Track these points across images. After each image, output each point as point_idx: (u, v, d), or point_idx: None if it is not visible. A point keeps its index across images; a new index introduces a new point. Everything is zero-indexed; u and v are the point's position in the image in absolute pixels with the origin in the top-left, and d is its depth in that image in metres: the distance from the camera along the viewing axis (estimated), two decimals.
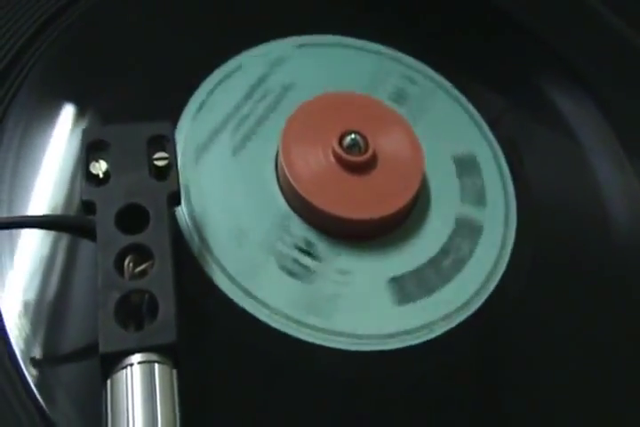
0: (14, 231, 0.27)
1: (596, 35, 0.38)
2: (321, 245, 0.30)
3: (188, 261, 0.28)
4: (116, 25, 0.34)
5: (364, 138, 0.30)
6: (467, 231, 0.31)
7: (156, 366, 0.23)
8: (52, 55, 0.32)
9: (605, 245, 0.33)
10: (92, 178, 0.26)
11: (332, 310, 0.29)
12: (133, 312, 0.24)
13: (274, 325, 0.28)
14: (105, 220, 0.25)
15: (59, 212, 0.28)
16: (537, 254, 0.32)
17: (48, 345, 0.26)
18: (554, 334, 0.30)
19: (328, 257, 0.30)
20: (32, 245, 0.27)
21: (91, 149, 0.26)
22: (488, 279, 0.31)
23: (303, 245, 0.30)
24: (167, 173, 0.26)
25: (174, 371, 0.23)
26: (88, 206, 0.25)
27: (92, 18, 0.33)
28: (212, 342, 0.27)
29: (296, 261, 0.29)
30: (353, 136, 0.30)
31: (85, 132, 0.27)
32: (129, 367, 0.23)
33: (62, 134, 0.30)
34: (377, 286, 0.29)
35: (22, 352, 0.25)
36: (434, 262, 0.30)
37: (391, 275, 0.30)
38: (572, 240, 0.33)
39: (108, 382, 0.23)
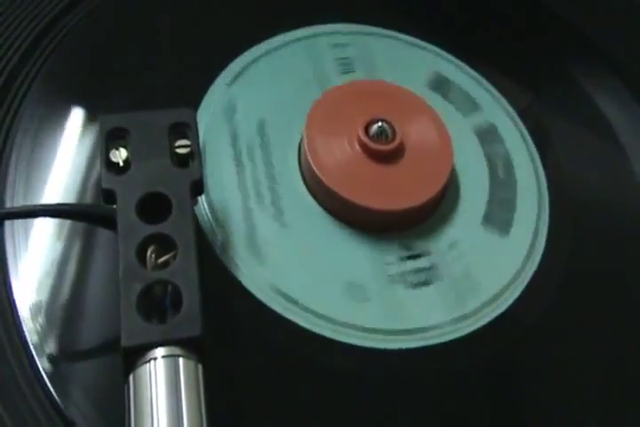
0: (30, 225, 0.26)
1: (628, 20, 0.37)
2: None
3: (209, 255, 0.27)
4: (122, 23, 0.33)
5: (391, 126, 0.29)
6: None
7: (181, 360, 0.22)
8: (60, 54, 0.31)
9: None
10: (111, 166, 0.25)
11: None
12: (156, 304, 0.23)
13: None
14: (126, 209, 0.24)
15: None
16: (572, 251, 0.30)
17: (64, 342, 0.25)
18: (585, 338, 0.29)
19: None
20: (48, 240, 0.27)
21: (110, 136, 0.25)
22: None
23: None
24: (189, 161, 0.26)
25: (200, 366, 0.22)
26: (108, 195, 0.24)
27: (100, 15, 0.32)
28: (237, 339, 0.26)
29: None
30: (380, 124, 0.29)
31: (104, 120, 0.26)
32: (152, 362, 0.22)
33: (76, 127, 0.30)
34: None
35: (38, 350, 0.25)
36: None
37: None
38: (609, 237, 0.31)
39: (131, 377, 0.22)
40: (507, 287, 0.29)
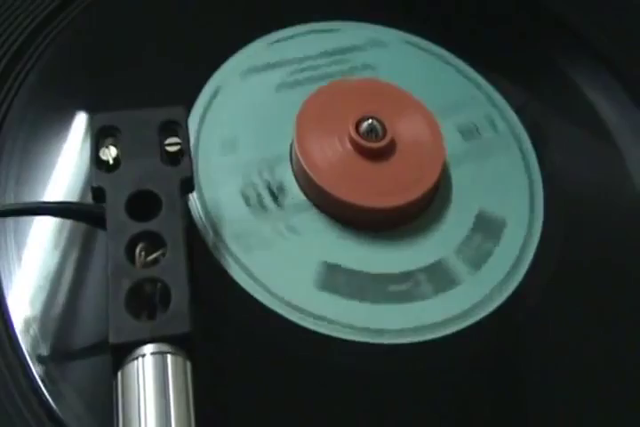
0: (22, 229, 0.27)
1: (622, 17, 0.37)
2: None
3: (201, 251, 0.27)
4: (116, 21, 0.33)
5: (382, 123, 0.29)
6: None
7: (169, 357, 0.22)
8: (54, 51, 0.31)
9: (637, 233, 0.32)
10: (101, 164, 0.25)
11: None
12: (146, 302, 0.23)
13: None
14: (115, 207, 0.24)
15: None
16: (565, 246, 0.30)
17: (57, 345, 0.25)
18: (579, 334, 0.29)
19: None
20: (40, 243, 0.27)
21: (100, 134, 0.25)
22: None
23: None
24: (180, 158, 0.26)
25: (188, 363, 0.22)
26: (98, 193, 0.24)
27: (92, 14, 0.33)
28: (227, 335, 0.26)
29: None
30: (370, 121, 0.29)
31: (95, 118, 0.26)
32: (140, 358, 0.22)
33: (68, 126, 0.30)
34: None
35: (30, 353, 0.25)
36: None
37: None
38: (602, 238, 0.31)
39: (119, 374, 0.22)
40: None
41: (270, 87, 0.32)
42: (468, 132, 0.32)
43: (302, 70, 0.32)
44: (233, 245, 0.28)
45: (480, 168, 0.31)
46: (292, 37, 0.34)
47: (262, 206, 0.29)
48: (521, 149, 0.32)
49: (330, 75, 0.32)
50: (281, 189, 0.29)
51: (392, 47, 0.34)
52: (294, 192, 0.29)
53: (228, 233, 0.28)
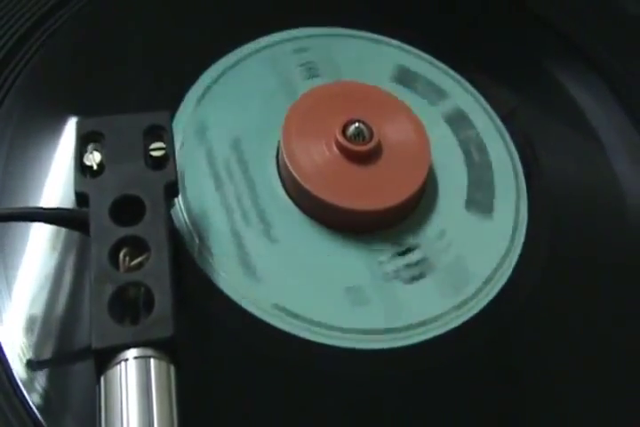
0: (10, 244, 0.27)
1: (612, 22, 0.37)
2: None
3: (186, 257, 0.27)
4: (108, 23, 0.33)
5: (369, 127, 0.29)
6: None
7: (152, 361, 0.22)
8: (46, 52, 0.31)
9: (622, 239, 0.32)
10: (85, 169, 0.25)
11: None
12: (129, 307, 0.23)
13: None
14: (99, 211, 0.24)
15: None
16: (550, 248, 0.30)
17: (43, 350, 0.25)
18: (567, 329, 0.29)
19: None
20: (29, 257, 0.27)
21: (84, 140, 0.26)
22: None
23: None
24: (164, 163, 0.26)
25: (172, 367, 0.22)
26: (81, 198, 0.24)
27: (85, 15, 0.33)
28: (212, 339, 0.26)
29: None
30: (357, 125, 0.29)
31: (80, 124, 0.26)
32: (123, 363, 0.22)
33: (54, 132, 0.30)
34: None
35: (20, 372, 0.25)
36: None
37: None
38: (586, 235, 0.31)
39: (102, 378, 0.22)
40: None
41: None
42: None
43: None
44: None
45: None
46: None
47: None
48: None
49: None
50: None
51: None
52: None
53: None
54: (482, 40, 0.36)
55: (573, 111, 0.34)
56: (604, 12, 0.37)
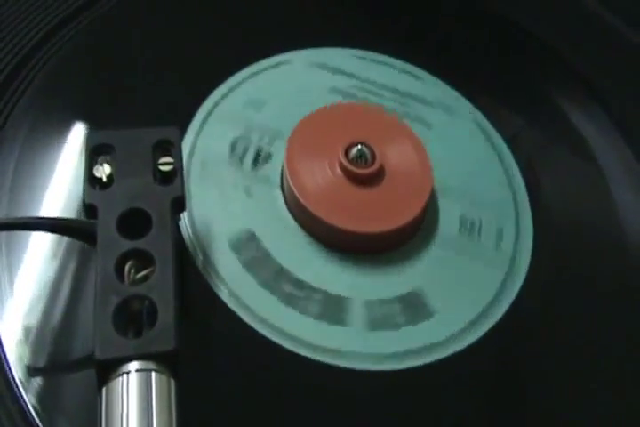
0: (13, 251, 0.27)
1: (613, 51, 0.38)
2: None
3: (191, 272, 0.28)
4: (122, 34, 0.34)
5: (371, 149, 0.30)
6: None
7: (153, 374, 0.22)
8: (57, 62, 0.32)
9: (622, 268, 0.32)
10: (94, 181, 0.25)
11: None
12: (133, 319, 0.23)
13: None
14: (106, 224, 0.24)
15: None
16: (553, 275, 0.31)
17: (48, 371, 0.25)
18: (568, 353, 0.30)
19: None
20: (32, 265, 0.27)
21: (95, 152, 0.26)
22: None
23: None
24: (172, 178, 0.26)
25: (172, 381, 0.22)
26: (90, 210, 0.25)
27: (99, 26, 0.33)
28: (214, 355, 0.27)
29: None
30: (359, 147, 0.29)
31: (90, 136, 0.26)
32: (125, 375, 0.22)
33: (65, 140, 0.30)
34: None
35: (22, 379, 0.25)
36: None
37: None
38: (588, 262, 0.32)
39: (103, 389, 0.22)
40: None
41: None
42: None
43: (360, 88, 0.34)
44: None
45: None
46: None
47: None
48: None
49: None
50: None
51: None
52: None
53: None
54: (488, 68, 0.37)
55: (575, 140, 0.35)
56: (608, 41, 0.38)
